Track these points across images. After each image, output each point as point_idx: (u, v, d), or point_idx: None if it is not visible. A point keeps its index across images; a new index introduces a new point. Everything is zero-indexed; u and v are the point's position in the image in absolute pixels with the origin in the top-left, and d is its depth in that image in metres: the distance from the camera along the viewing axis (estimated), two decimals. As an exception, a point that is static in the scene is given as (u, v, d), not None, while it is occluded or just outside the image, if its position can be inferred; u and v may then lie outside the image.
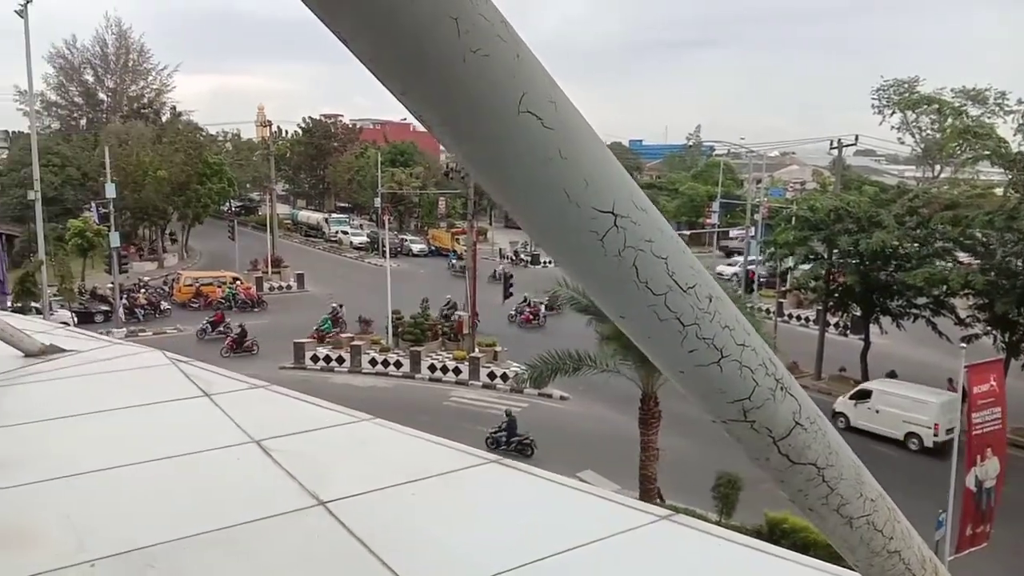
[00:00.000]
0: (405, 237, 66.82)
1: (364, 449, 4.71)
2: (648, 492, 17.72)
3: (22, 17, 30.86)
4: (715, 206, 61.71)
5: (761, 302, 39.48)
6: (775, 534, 15.44)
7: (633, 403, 19.04)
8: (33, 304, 32.77)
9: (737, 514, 18.62)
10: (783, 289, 42.51)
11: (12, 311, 20.76)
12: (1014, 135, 29.29)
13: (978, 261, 28.58)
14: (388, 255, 40.74)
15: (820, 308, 35.57)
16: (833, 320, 35.65)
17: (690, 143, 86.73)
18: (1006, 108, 31.20)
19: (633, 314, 1.06)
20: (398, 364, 32.52)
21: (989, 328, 28.23)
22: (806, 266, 34.09)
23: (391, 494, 4.02)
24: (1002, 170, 30.19)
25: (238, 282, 44.41)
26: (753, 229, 45.16)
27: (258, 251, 54.44)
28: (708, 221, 63.30)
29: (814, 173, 72.29)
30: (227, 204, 63.95)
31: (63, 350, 6.40)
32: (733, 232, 60.64)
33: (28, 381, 5.76)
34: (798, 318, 43.48)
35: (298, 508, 3.77)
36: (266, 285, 48.35)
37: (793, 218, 35.44)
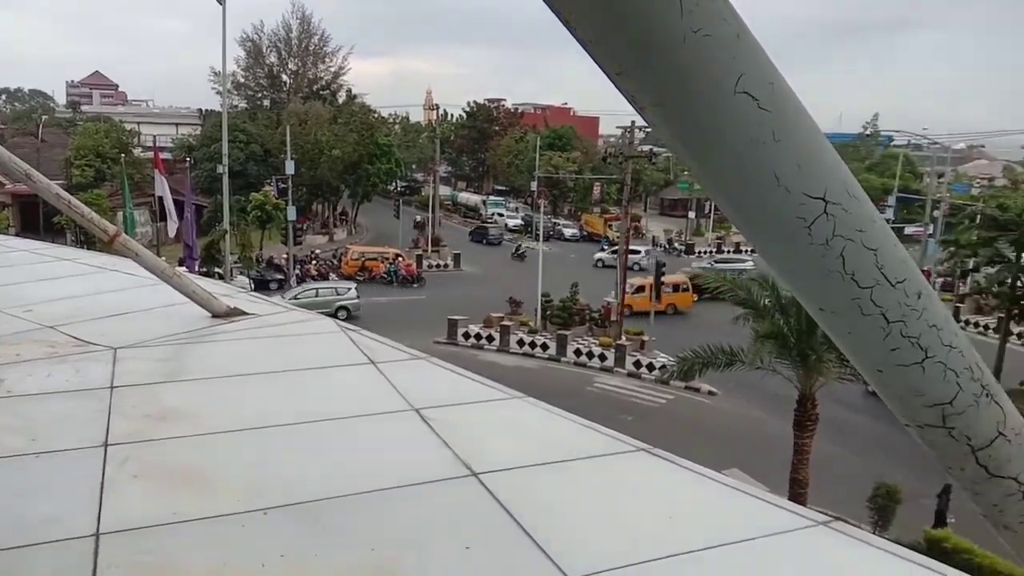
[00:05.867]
0: (558, 221, 67.19)
1: (516, 426, 4.81)
2: (799, 497, 16.98)
3: (221, 3, 33.41)
4: (890, 200, 57.92)
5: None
6: (934, 552, 14.40)
7: (786, 403, 18.30)
8: (216, 269, 35.67)
9: (892, 529, 17.56)
10: (962, 293, 39.36)
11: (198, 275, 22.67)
12: None
13: None
14: (542, 238, 41.13)
15: (1003, 316, 32.61)
16: (1016, 330, 32.55)
17: (866, 132, 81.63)
18: None
19: (834, 307, 1.02)
20: (544, 347, 32.85)
21: None
22: (990, 269, 31.34)
23: (541, 472, 4.09)
24: None
25: (400, 259, 46.38)
26: (932, 227, 42.04)
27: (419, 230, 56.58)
28: (881, 217, 59.36)
29: (1005, 168, 66.26)
30: (393, 184, 66.70)
31: (245, 313, 6.93)
32: (909, 229, 56.65)
33: (215, 340, 6.28)
34: (976, 325, 40.12)
35: (452, 477, 3.90)
36: (425, 263, 50.18)
37: (979, 216, 32.66)
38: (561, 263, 48.69)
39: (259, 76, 73.46)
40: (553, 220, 65.71)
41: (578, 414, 5.13)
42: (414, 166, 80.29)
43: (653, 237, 64.63)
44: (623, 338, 32.74)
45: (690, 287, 39.81)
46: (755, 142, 0.87)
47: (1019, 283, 29.95)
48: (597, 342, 33.22)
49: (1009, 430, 1.23)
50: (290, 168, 43.37)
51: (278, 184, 47.78)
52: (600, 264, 51.46)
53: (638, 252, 54.18)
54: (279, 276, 42.42)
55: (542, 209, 46.75)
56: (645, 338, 33.14)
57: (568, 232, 64.47)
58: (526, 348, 32.98)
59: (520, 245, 57.36)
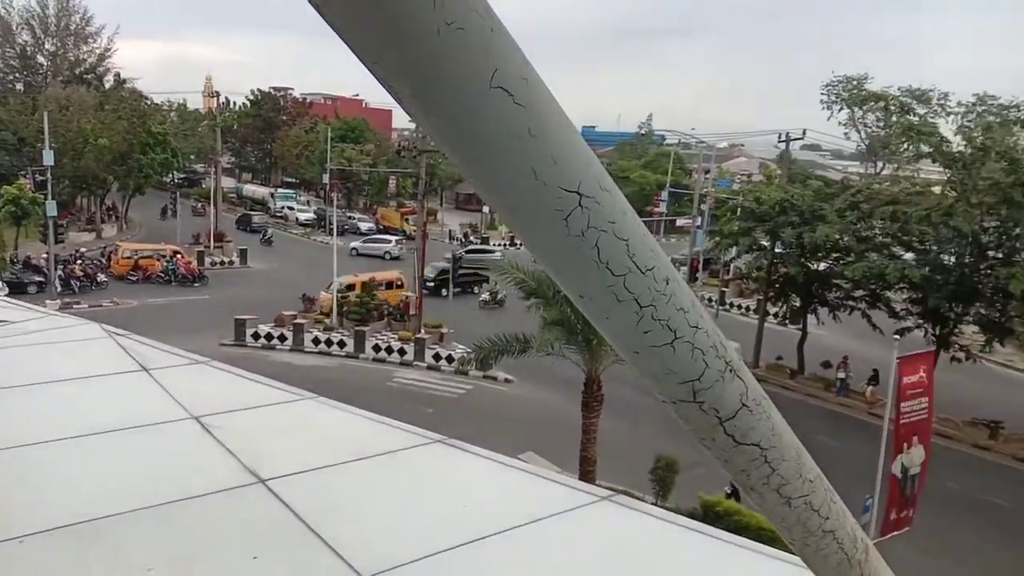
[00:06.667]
0: (353, 215, 66.09)
1: (307, 427, 4.67)
2: (588, 474, 17.94)
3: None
4: (664, 195, 62.49)
5: (704, 290, 40.29)
6: (708, 516, 15.81)
7: (577, 387, 19.23)
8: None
9: (672, 497, 19.01)
10: (726, 278, 43.36)
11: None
12: (955, 135, 30.23)
13: (914, 256, 29.52)
14: (335, 233, 40.22)
15: (761, 298, 36.37)
16: (773, 310, 36.51)
17: (642, 132, 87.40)
18: (948, 109, 32.24)
19: (592, 294, 1.08)
20: (342, 344, 32.19)
21: (921, 322, 29.22)
22: (749, 256, 34.79)
23: (334, 472, 4.00)
24: (941, 168, 31.16)
25: (178, 256, 43.31)
26: (700, 219, 45.90)
27: (200, 225, 53.25)
28: (656, 210, 64.10)
29: (761, 165, 73.59)
30: (170, 176, 62.29)
31: (-6, 319, 6.18)
32: (680, 221, 61.50)
33: (-44, 350, 5.55)
34: (739, 307, 44.38)
35: (237, 485, 3.72)
36: (207, 260, 47.27)
37: (739, 209, 36.05)
38: (356, 258, 47.89)
39: (9, 56, 65.61)
40: (348, 214, 64.57)
41: (377, 410, 5.08)
42: (193, 157, 75.33)
43: (450, 231, 65.32)
44: (422, 331, 32.85)
45: (404, 283, 38.14)
46: (512, 136, 0.89)
47: (773, 268, 33.53)
48: (396, 337, 33.08)
49: (751, 401, 1.36)
50: (48, 159, 39.03)
51: (35, 176, 42.94)
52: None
53: (388, 241, 53.44)
54: (38, 278, 38.14)
55: (335, 203, 45.64)
56: (444, 330, 33.47)
57: (364, 226, 63.48)
58: (322, 346, 32.13)
59: (267, 230, 56.74)
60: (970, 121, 29.99)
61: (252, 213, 63.37)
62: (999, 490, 22.52)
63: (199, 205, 59.53)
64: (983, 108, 30.21)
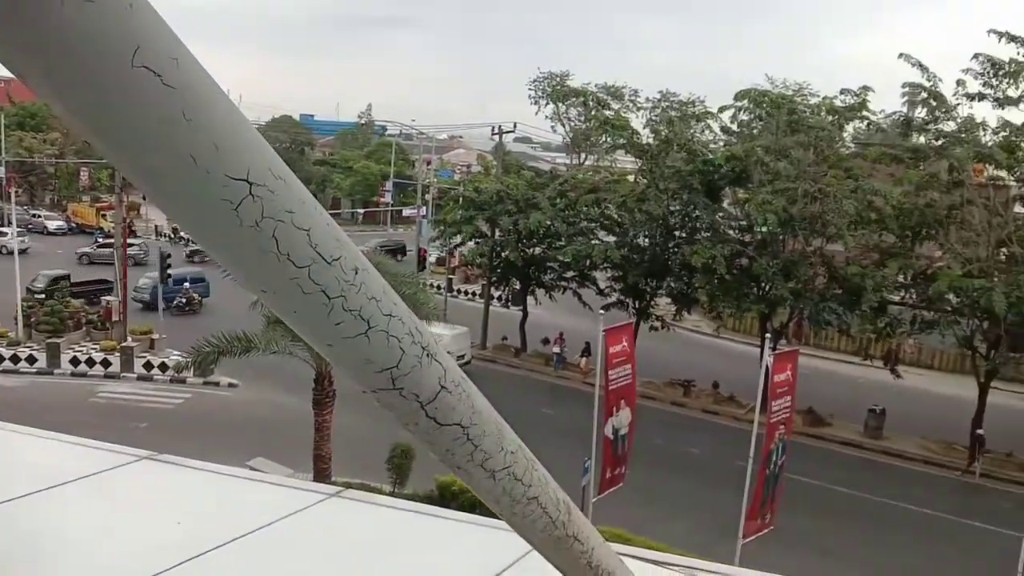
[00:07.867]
0: (38, 213, 58.77)
1: (-17, 457, 4.07)
2: (323, 472, 17.63)
3: None
4: (389, 185, 62.75)
5: (433, 278, 41.20)
6: (445, 496, 16.27)
7: (308, 385, 18.75)
8: None
9: (412, 482, 19.26)
10: (453, 266, 44.68)
11: None
12: (643, 128, 33.80)
13: (615, 238, 32.57)
14: (15, 232, 35.36)
15: (485, 283, 38.00)
16: (496, 293, 38.26)
17: (362, 121, 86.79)
18: (638, 104, 36.02)
19: (276, 288, 1.03)
20: (32, 359, 28.45)
21: (623, 297, 32.38)
22: (472, 244, 36.14)
23: (19, 506, 3.53)
24: (634, 158, 34.71)
25: None
26: (424, 208, 46.74)
27: None
28: (382, 200, 64.19)
29: (479, 157, 76.61)
30: None
31: None
32: (406, 211, 62.19)
33: None
34: (466, 292, 45.98)
35: None
36: None
37: (460, 199, 37.27)
38: (47, 261, 42.39)
39: None
40: (32, 212, 57.29)
41: (77, 431, 4.60)
42: None
43: (156, 227, 60.16)
44: (129, 339, 29.99)
45: None
46: (164, 121, 0.82)
47: (495, 254, 35.17)
48: (98, 347, 29.88)
49: (450, 382, 1.39)
50: None
51: None
52: (86, 260, 45.91)
53: (3, 234, 45.14)
54: None
55: (14, 199, 40.02)
56: (155, 336, 30.86)
57: (53, 225, 56.64)
58: (7, 363, 28.16)
59: None
60: (656, 116, 33.72)
61: None
62: (694, 441, 25.73)
63: None
64: (667, 104, 34.11)
